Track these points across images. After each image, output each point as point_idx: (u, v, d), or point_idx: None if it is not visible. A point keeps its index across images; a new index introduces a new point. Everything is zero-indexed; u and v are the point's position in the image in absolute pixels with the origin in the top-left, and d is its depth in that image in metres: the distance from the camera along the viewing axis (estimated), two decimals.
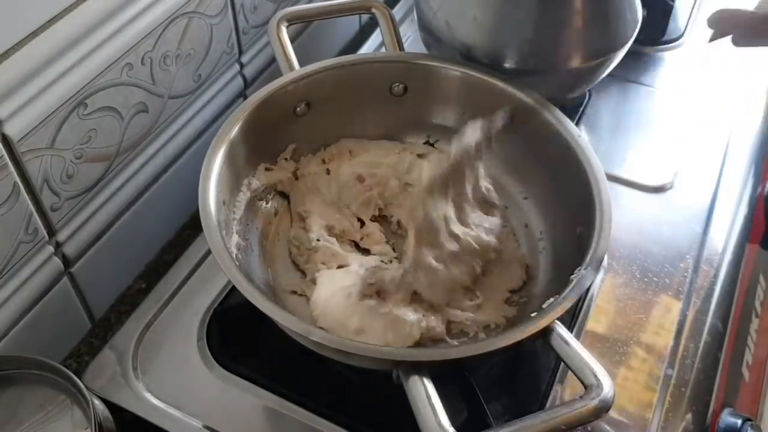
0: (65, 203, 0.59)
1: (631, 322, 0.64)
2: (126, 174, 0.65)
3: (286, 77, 0.66)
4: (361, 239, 0.67)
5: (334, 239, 0.65)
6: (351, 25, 0.97)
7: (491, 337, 0.57)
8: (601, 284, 0.67)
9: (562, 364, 0.59)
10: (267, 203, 0.67)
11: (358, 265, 0.62)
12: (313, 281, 0.62)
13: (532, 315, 0.52)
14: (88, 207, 0.62)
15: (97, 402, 0.51)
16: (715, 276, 0.69)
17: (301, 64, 0.67)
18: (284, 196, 0.69)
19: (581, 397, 0.45)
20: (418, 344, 0.58)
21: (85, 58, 0.55)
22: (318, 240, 0.64)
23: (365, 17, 0.96)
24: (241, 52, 0.75)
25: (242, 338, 0.62)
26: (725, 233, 0.73)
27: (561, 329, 0.49)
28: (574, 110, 0.81)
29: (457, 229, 0.60)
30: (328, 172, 0.70)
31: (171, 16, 0.62)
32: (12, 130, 0.51)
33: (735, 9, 0.65)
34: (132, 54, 0.60)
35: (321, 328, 0.57)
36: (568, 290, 0.51)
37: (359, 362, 0.52)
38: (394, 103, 0.70)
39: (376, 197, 0.68)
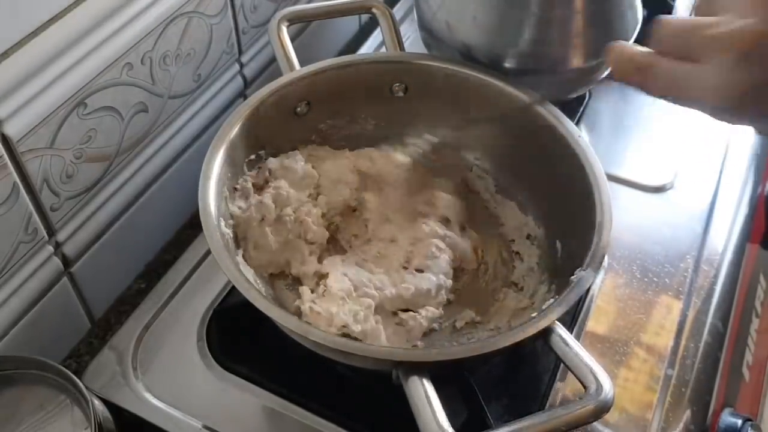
0: (65, 203, 0.59)
1: (632, 322, 0.64)
2: (126, 174, 0.65)
3: (286, 77, 0.66)
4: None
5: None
6: (351, 25, 0.97)
7: (491, 337, 0.57)
8: (601, 284, 0.67)
9: (562, 364, 0.59)
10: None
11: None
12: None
13: (533, 316, 0.52)
14: (87, 207, 0.62)
15: (97, 402, 0.51)
16: (716, 276, 0.69)
17: (302, 64, 0.67)
18: None
19: (581, 398, 0.45)
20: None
21: (85, 58, 0.55)
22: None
23: (365, 17, 0.96)
24: (241, 52, 0.75)
25: (242, 338, 0.62)
26: (725, 233, 0.73)
27: (561, 330, 0.49)
28: (574, 110, 0.81)
29: None
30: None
31: (171, 16, 0.62)
32: (12, 130, 0.51)
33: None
34: (132, 54, 0.60)
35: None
36: (568, 291, 0.51)
37: (359, 362, 0.51)
38: (395, 103, 0.70)
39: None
